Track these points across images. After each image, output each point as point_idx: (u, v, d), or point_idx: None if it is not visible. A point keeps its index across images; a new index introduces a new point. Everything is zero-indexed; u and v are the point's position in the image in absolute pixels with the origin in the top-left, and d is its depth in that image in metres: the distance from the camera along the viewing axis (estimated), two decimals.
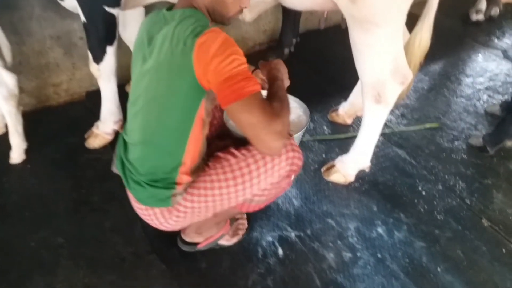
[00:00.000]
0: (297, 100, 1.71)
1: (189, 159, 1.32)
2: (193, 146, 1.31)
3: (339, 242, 1.81)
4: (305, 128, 1.61)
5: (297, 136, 1.59)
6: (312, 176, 2.12)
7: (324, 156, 2.26)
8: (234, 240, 1.75)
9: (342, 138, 2.38)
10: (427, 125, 2.51)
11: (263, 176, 1.36)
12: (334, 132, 2.43)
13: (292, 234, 1.82)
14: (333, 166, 2.12)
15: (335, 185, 2.08)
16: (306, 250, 1.77)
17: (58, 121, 2.38)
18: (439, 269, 1.71)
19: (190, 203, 1.37)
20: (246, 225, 1.81)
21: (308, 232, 1.84)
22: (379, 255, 1.76)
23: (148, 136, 1.32)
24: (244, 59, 1.17)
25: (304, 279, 1.66)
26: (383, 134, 2.40)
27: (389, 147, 2.34)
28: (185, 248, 1.71)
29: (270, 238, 1.80)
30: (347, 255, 1.75)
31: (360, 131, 2.00)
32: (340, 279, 1.66)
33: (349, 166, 2.07)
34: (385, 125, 2.43)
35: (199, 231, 1.67)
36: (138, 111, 1.32)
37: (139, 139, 1.34)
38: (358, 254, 1.76)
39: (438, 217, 1.94)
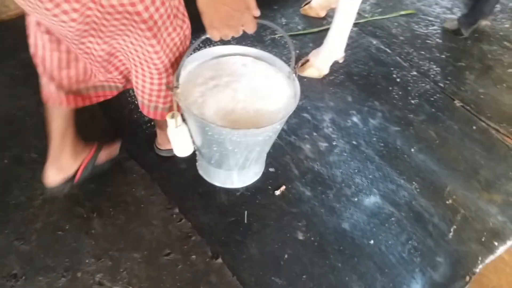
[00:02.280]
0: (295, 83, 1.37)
1: None
2: None
3: (314, 133, 1.82)
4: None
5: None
6: None
7: (298, 52, 2.18)
8: None
9: (316, 32, 2.29)
10: (402, 12, 2.43)
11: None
12: (307, 26, 2.33)
13: None
14: (307, 61, 2.06)
15: (310, 80, 2.04)
16: (283, 144, 1.78)
17: (12, 36, 2.20)
18: (412, 150, 1.76)
19: None
20: None
21: (284, 127, 1.84)
22: (354, 142, 1.79)
23: None
24: None
25: (282, 170, 1.69)
26: (357, 24, 2.32)
27: (363, 37, 2.28)
28: (163, 153, 1.71)
29: None
30: (323, 144, 1.78)
31: (333, 20, 1.91)
32: (317, 167, 1.70)
33: (323, 58, 2.02)
34: (359, 14, 2.34)
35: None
36: None
37: None
38: (334, 143, 1.79)
39: (412, 101, 1.96)
